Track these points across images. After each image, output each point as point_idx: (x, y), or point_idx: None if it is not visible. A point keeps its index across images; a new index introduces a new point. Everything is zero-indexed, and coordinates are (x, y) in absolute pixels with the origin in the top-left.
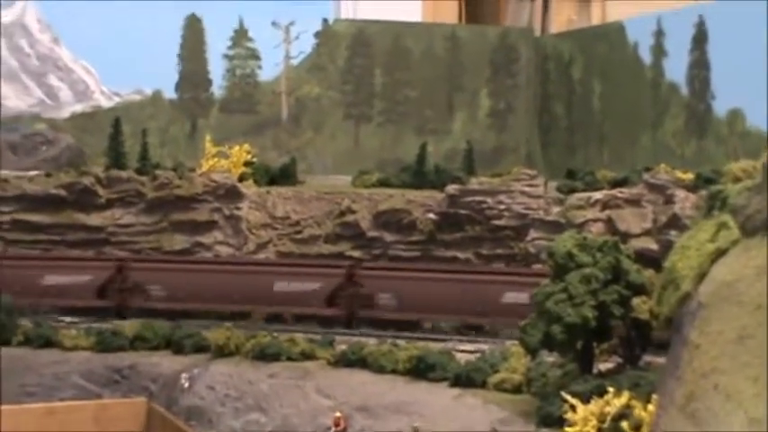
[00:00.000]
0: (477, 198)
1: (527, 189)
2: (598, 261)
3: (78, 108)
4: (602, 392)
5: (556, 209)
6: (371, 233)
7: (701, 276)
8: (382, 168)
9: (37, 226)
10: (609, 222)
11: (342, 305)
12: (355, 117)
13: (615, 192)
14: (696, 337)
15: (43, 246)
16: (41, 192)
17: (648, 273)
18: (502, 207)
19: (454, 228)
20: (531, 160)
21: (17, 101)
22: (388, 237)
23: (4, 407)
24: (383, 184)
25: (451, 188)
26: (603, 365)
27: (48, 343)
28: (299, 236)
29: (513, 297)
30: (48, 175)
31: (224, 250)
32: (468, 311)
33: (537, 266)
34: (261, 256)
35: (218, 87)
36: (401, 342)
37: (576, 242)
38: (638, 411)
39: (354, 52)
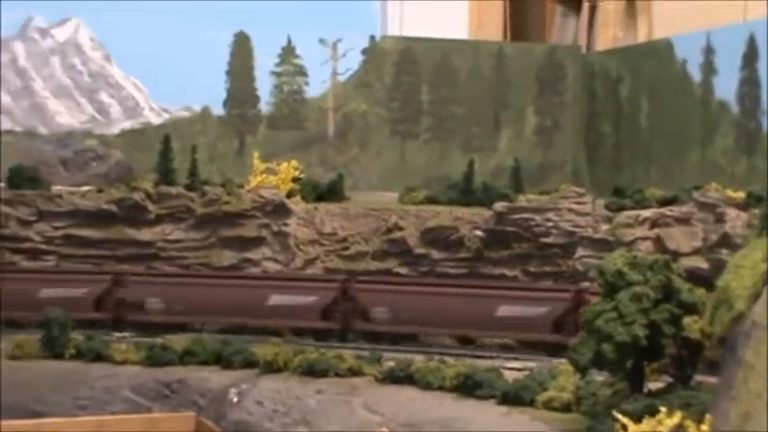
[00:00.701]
0: (525, 215)
1: (575, 207)
2: (649, 280)
3: (128, 124)
4: (653, 412)
5: (604, 227)
6: (419, 250)
7: (756, 296)
8: (428, 185)
9: (88, 241)
10: (658, 241)
11: (336, 319)
12: (401, 134)
13: (665, 210)
14: (751, 357)
15: (94, 261)
16: (93, 207)
17: (700, 292)
18: (550, 224)
19: (502, 245)
20: (577, 178)
21: (69, 117)
22: (436, 254)
23: (58, 419)
24: (430, 201)
25: (499, 205)
26: (653, 385)
27: (99, 357)
28: (346, 252)
29: (507, 311)
30: (99, 191)
31: (272, 266)
32: (463, 325)
33: (542, 282)
34: (309, 271)
35: (265, 104)
36: (449, 359)
37: (626, 260)
38: (691, 431)
39: (401, 69)
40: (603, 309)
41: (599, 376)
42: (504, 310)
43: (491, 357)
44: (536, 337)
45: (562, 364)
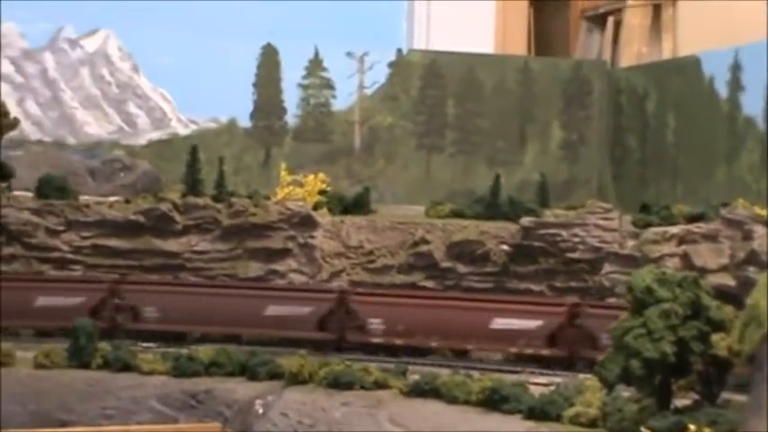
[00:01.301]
0: (552, 230)
1: (602, 222)
2: (677, 296)
3: (155, 135)
4: (680, 429)
5: (631, 243)
6: (445, 264)
7: None
8: (453, 199)
9: (116, 251)
10: (685, 257)
11: (332, 329)
12: (427, 147)
13: (692, 227)
14: None
15: (121, 270)
16: (121, 217)
17: (727, 309)
18: (576, 240)
19: (528, 260)
20: (602, 193)
21: (97, 127)
22: (462, 268)
23: (84, 428)
24: (456, 214)
25: (526, 220)
26: (681, 402)
27: (126, 367)
28: (372, 265)
29: (501, 323)
30: (127, 201)
31: (298, 278)
32: (456, 336)
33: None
34: (334, 284)
35: (291, 116)
36: (474, 373)
37: (655, 277)
38: None
39: (427, 83)
40: (632, 325)
41: (625, 392)
42: (499, 323)
43: (514, 372)
44: (530, 349)
45: (588, 379)
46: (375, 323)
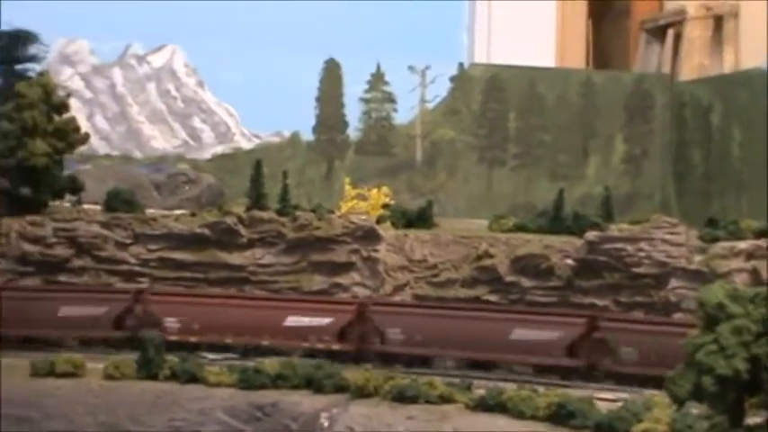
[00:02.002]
0: (617, 245)
1: (668, 237)
2: (750, 312)
3: (220, 149)
4: None
5: (698, 258)
6: (509, 278)
7: None
8: (514, 213)
9: (182, 264)
10: (754, 273)
11: (352, 340)
12: (489, 161)
13: (761, 242)
14: None
15: (187, 283)
16: (187, 230)
17: None
18: (642, 255)
19: (593, 274)
20: (665, 207)
21: (163, 142)
22: (526, 282)
23: None
24: (519, 228)
25: (591, 234)
26: (752, 420)
27: (193, 378)
28: (435, 279)
29: (521, 334)
30: (192, 215)
31: (361, 291)
32: (476, 348)
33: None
34: (397, 298)
35: (353, 130)
36: (540, 388)
37: (726, 292)
38: None
39: (489, 96)
40: (704, 341)
41: (694, 409)
42: (519, 334)
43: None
44: (550, 360)
45: (656, 395)
46: (394, 333)
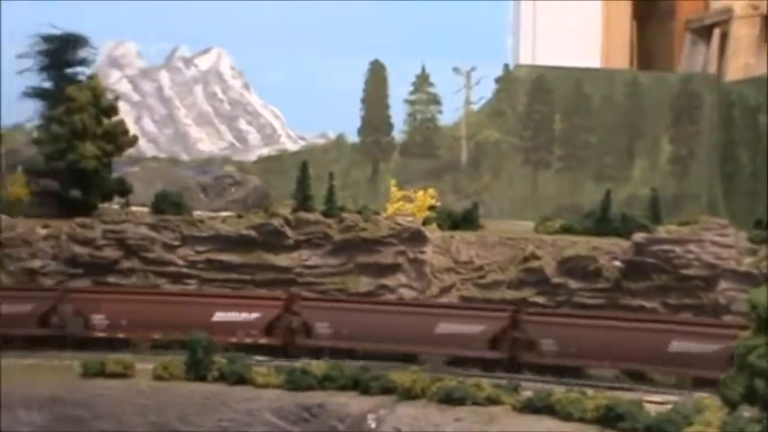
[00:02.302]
0: (665, 247)
1: (717, 238)
2: None
3: (265, 151)
4: None
5: (748, 259)
6: (556, 279)
7: None
8: (560, 214)
9: (229, 265)
10: None
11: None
12: (534, 162)
13: None
14: None
15: (234, 285)
16: (234, 232)
17: None
18: (691, 256)
19: (640, 276)
20: (712, 208)
21: (210, 144)
22: (573, 284)
23: None
24: (566, 230)
25: (638, 236)
26: None
27: (241, 380)
28: (482, 281)
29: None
30: (239, 217)
31: (407, 293)
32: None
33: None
34: (444, 299)
35: (399, 131)
36: (589, 390)
37: None
38: None
39: (534, 98)
40: (756, 344)
41: (746, 412)
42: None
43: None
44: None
45: (706, 398)
46: (322, 327)
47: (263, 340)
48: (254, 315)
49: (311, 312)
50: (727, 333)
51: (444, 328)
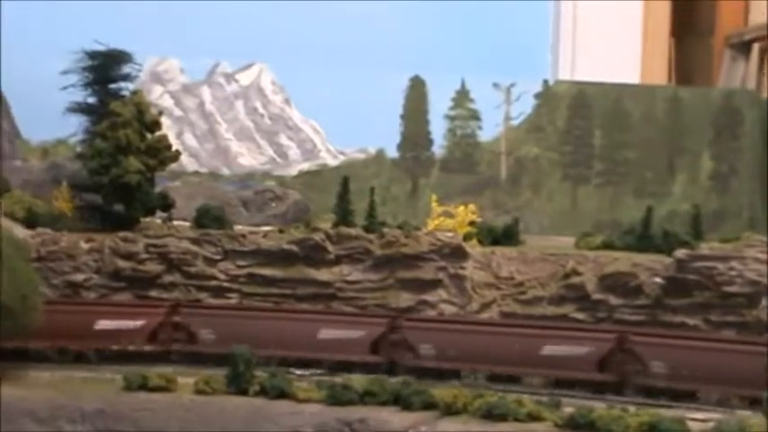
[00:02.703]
0: (708, 263)
1: (760, 255)
2: None
3: (305, 166)
4: None
5: None
6: (596, 296)
7: None
8: (599, 230)
9: (270, 280)
10: None
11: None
12: (573, 178)
13: None
14: None
15: (275, 299)
16: (275, 247)
17: None
18: (733, 273)
19: (682, 293)
20: (754, 225)
21: (250, 159)
22: (614, 300)
23: None
24: (607, 246)
25: (680, 253)
26: None
27: (282, 394)
28: (522, 297)
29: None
30: (280, 231)
31: (448, 309)
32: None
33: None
34: (485, 315)
35: (438, 147)
36: (631, 407)
37: None
38: None
39: (574, 113)
40: None
41: None
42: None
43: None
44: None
45: (752, 417)
46: (426, 348)
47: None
48: (359, 333)
49: (414, 332)
50: None
51: (549, 350)
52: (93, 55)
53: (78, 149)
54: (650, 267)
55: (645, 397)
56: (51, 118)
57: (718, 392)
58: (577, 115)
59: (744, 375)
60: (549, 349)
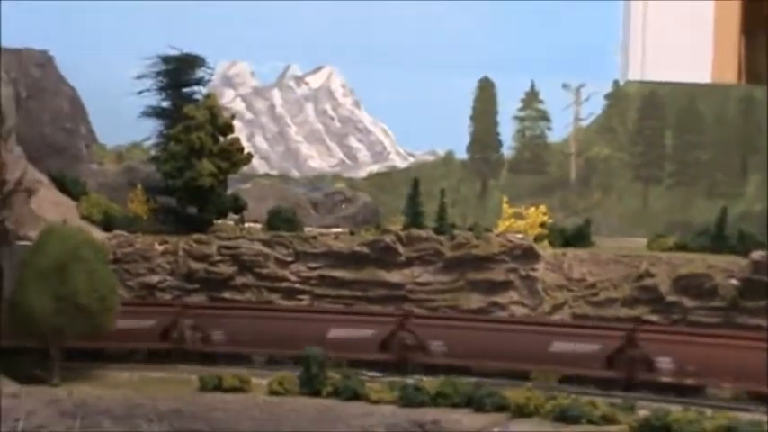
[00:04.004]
0: None
1: None
2: None
3: (375, 168)
4: None
5: None
6: (670, 297)
7: None
8: (670, 231)
9: (341, 281)
10: None
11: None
12: (644, 179)
13: None
14: None
15: (346, 301)
16: (346, 249)
17: None
18: None
19: (758, 295)
20: None
21: (320, 161)
22: (688, 302)
23: None
24: (680, 247)
25: (757, 254)
26: None
27: (354, 395)
28: (595, 298)
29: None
30: (351, 233)
31: (519, 310)
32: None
33: None
34: (557, 317)
35: (507, 148)
36: (707, 410)
37: None
38: None
39: (645, 114)
40: None
41: None
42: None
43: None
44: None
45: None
46: (437, 345)
47: (377, 356)
48: (369, 332)
49: (426, 330)
50: None
51: (558, 346)
52: (166, 59)
53: (152, 153)
54: (726, 269)
55: (652, 393)
56: (126, 122)
57: (726, 388)
58: (648, 116)
59: (753, 370)
60: (557, 346)
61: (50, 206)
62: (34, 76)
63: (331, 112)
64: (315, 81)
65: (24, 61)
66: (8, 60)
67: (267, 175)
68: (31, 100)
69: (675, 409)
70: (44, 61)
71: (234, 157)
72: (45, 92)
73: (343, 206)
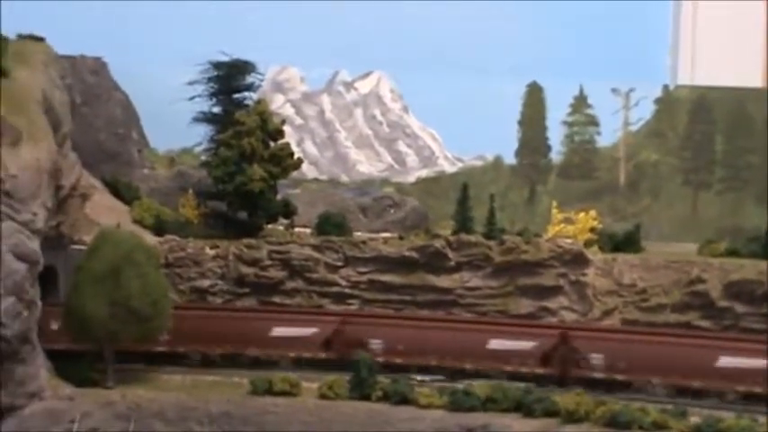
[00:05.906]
0: None
1: None
2: None
3: (423, 173)
4: None
5: None
6: (721, 303)
7: None
8: (720, 236)
9: (390, 286)
10: None
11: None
12: (694, 184)
13: None
14: None
15: (394, 305)
16: (396, 253)
17: None
18: None
19: None
20: None
21: (369, 166)
22: (739, 308)
23: None
24: (731, 253)
25: None
26: None
27: (404, 400)
28: (645, 304)
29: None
30: (400, 238)
31: (569, 316)
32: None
33: None
34: (606, 322)
35: (556, 153)
36: (761, 418)
37: None
38: None
39: (695, 118)
40: None
41: None
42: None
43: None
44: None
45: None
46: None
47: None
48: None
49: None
50: None
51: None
52: (217, 65)
53: (203, 158)
54: None
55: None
56: (178, 127)
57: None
58: (698, 120)
59: (684, 366)
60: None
61: (104, 211)
62: (88, 82)
63: (380, 118)
64: (364, 86)
65: (79, 68)
66: (63, 67)
67: (316, 180)
68: (85, 106)
69: (728, 416)
70: (98, 68)
71: (284, 162)
72: (99, 98)
73: (392, 211)
